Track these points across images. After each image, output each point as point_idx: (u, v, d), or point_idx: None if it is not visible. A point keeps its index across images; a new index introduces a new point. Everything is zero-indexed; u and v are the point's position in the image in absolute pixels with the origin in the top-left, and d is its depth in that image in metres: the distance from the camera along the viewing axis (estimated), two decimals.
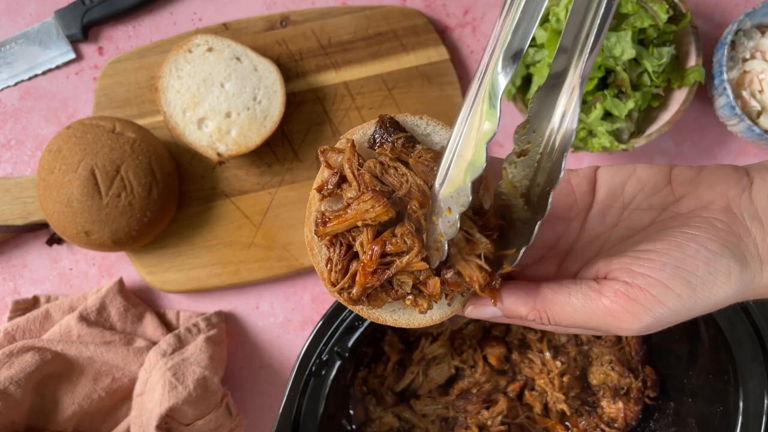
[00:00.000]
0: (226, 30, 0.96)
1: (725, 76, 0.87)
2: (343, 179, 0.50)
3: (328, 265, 0.51)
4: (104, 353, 0.85)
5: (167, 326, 0.93)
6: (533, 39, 0.89)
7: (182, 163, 0.94)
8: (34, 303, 0.93)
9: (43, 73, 0.98)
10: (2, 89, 0.98)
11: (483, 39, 0.99)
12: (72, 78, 0.98)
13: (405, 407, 0.87)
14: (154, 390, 0.81)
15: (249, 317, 0.96)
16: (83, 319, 0.87)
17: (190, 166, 0.95)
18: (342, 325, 0.76)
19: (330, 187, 0.51)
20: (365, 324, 0.76)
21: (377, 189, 0.48)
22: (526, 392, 0.89)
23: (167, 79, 0.90)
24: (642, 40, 0.88)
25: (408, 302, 0.50)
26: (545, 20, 0.88)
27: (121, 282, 0.91)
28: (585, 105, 0.89)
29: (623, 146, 0.87)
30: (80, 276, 0.95)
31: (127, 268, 0.95)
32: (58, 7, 0.97)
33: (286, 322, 0.96)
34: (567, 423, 0.88)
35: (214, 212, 0.94)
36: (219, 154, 0.89)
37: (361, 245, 0.49)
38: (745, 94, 0.90)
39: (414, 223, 0.48)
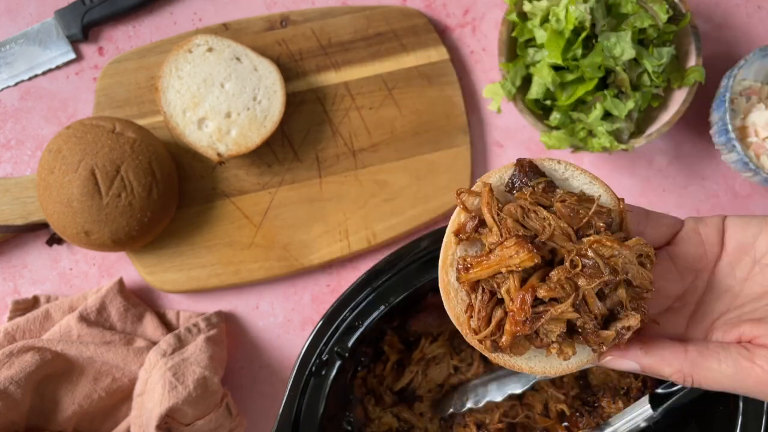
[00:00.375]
0: (226, 30, 0.96)
1: (732, 135, 0.86)
2: (481, 223, 0.50)
3: (468, 312, 0.50)
4: (104, 353, 0.85)
5: (167, 326, 0.93)
6: (533, 39, 0.89)
7: (182, 163, 0.94)
8: (34, 303, 0.93)
9: (43, 73, 0.98)
10: (2, 89, 0.98)
11: (483, 39, 0.99)
12: (72, 78, 0.98)
13: (404, 407, 0.87)
14: (154, 390, 0.81)
15: (249, 317, 0.96)
16: (83, 319, 0.87)
17: (190, 166, 0.95)
18: (342, 325, 0.76)
19: (468, 231, 0.50)
20: (365, 324, 0.76)
21: (520, 234, 0.48)
22: (526, 392, 0.89)
23: (167, 79, 0.90)
24: (642, 40, 0.88)
25: (553, 350, 0.50)
26: (545, 20, 0.88)
27: (121, 282, 0.91)
28: (585, 105, 0.89)
29: (623, 146, 0.87)
30: (80, 276, 0.95)
31: (127, 268, 0.95)
32: (58, 7, 0.97)
33: (286, 322, 0.96)
34: (566, 423, 0.88)
35: (214, 212, 0.94)
36: (219, 154, 0.89)
37: (507, 292, 0.48)
38: (754, 141, 0.89)
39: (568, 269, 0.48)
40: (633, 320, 0.49)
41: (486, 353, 0.50)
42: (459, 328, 0.51)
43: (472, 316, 0.50)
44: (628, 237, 0.51)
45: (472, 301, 0.50)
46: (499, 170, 0.53)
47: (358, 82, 0.96)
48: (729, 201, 0.98)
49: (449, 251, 0.51)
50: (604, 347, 0.50)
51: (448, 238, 0.51)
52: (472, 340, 0.50)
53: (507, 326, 0.48)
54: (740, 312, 0.53)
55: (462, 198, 0.51)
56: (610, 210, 0.52)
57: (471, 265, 0.50)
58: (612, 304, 0.49)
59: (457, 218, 0.51)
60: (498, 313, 0.49)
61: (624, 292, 0.49)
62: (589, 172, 0.53)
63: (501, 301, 0.49)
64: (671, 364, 0.49)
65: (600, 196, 0.53)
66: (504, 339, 0.49)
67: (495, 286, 0.49)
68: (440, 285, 0.51)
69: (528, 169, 0.51)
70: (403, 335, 0.89)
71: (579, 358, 0.52)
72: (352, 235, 0.94)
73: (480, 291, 0.50)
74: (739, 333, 0.49)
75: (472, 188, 0.52)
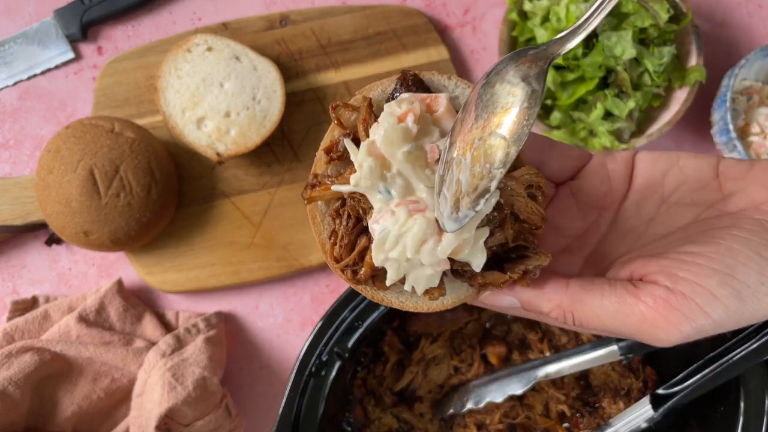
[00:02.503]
0: (225, 29, 0.96)
1: (733, 134, 0.86)
2: (356, 141, 0.44)
3: (332, 238, 0.45)
4: (103, 354, 0.85)
5: (166, 327, 0.93)
6: (534, 38, 0.89)
7: (181, 163, 0.94)
8: (33, 303, 0.93)
9: (42, 72, 0.98)
10: (1, 89, 0.97)
11: (483, 38, 0.99)
12: (71, 78, 0.98)
13: (404, 408, 0.87)
14: (153, 390, 0.81)
15: (248, 318, 0.96)
16: (82, 319, 0.87)
17: (190, 166, 0.94)
18: (342, 325, 0.76)
19: (340, 149, 0.45)
20: (365, 324, 0.76)
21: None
22: (527, 392, 0.88)
23: (166, 78, 0.89)
24: (643, 40, 0.88)
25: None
26: (545, 19, 0.88)
27: (120, 282, 0.91)
28: (585, 105, 0.89)
29: (624, 146, 0.87)
30: (79, 276, 0.95)
31: (126, 268, 0.95)
32: (57, 7, 0.97)
33: (286, 322, 0.95)
34: (567, 424, 0.88)
35: (213, 212, 0.94)
36: (218, 154, 0.89)
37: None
38: (755, 140, 0.89)
39: None
40: (542, 260, 0.44)
41: (349, 283, 0.46)
42: (324, 255, 0.46)
43: (335, 243, 0.45)
44: (518, 166, 0.45)
45: (336, 226, 0.45)
46: (383, 83, 0.47)
47: (358, 81, 0.96)
48: None
49: (319, 170, 0.46)
50: (490, 289, 0.45)
51: (319, 155, 0.46)
52: (334, 268, 0.45)
53: (367, 257, 0.43)
54: (639, 252, 0.48)
55: (337, 112, 0.45)
56: None
57: (318, 183, 0.45)
58: (496, 241, 0.44)
59: (330, 134, 0.46)
60: (362, 242, 0.44)
61: (510, 227, 0.44)
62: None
63: (367, 229, 0.44)
64: (551, 298, 0.44)
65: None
66: (363, 271, 0.44)
67: (362, 212, 0.44)
68: (308, 209, 0.46)
69: (411, 82, 0.46)
70: (403, 335, 0.89)
71: (455, 295, 0.47)
72: None
73: (345, 216, 0.44)
74: (630, 270, 0.44)
75: (351, 101, 0.46)
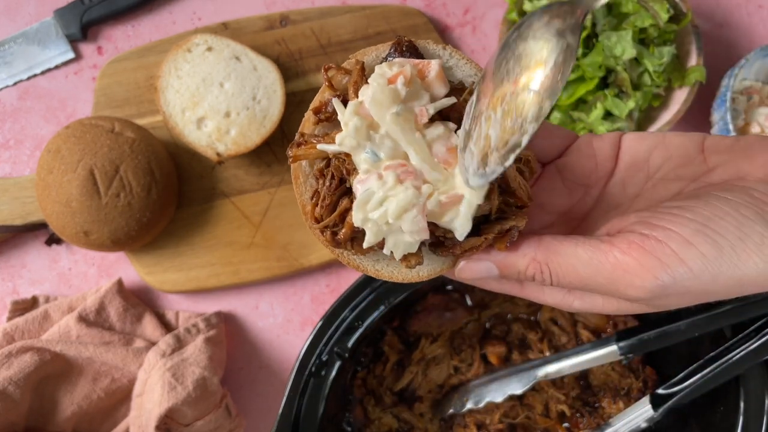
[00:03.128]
0: (225, 29, 0.96)
1: (734, 134, 0.86)
2: (346, 103, 0.44)
3: (314, 198, 0.45)
4: (103, 354, 0.85)
5: (166, 326, 0.92)
6: None
7: (181, 163, 0.94)
8: (33, 303, 0.93)
9: (42, 72, 0.98)
10: (1, 89, 0.97)
11: (483, 38, 0.99)
12: (71, 78, 0.98)
13: (404, 407, 0.87)
14: (153, 390, 0.81)
15: (248, 318, 0.96)
16: (82, 319, 0.87)
17: (190, 166, 0.94)
18: (342, 325, 0.76)
19: (330, 111, 0.45)
20: (365, 324, 0.76)
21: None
22: (527, 392, 0.88)
23: (166, 78, 0.89)
24: (642, 40, 0.88)
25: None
26: None
27: (120, 282, 0.91)
28: (585, 105, 0.89)
29: None
30: (79, 276, 0.95)
31: (126, 268, 0.95)
32: (57, 7, 0.97)
33: (286, 322, 0.95)
34: (567, 424, 0.88)
35: (213, 212, 0.94)
36: (218, 154, 0.89)
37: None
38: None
39: None
40: (519, 220, 0.44)
41: (327, 245, 0.45)
42: (303, 217, 0.46)
43: (317, 204, 0.45)
44: None
45: (319, 187, 0.45)
46: (377, 48, 0.47)
47: None
48: None
49: (306, 129, 0.46)
50: (467, 256, 0.45)
51: (307, 115, 0.46)
52: (312, 229, 0.45)
53: (348, 218, 0.43)
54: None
55: (329, 74, 0.45)
56: None
57: (304, 142, 0.44)
58: (480, 211, 0.43)
59: (320, 95, 0.45)
60: (344, 203, 0.44)
61: (496, 198, 0.44)
62: (477, 63, 0.47)
63: (350, 191, 0.44)
64: (525, 252, 0.43)
65: (474, 84, 0.45)
66: (343, 231, 0.44)
67: (345, 173, 0.44)
68: (292, 168, 0.46)
69: (405, 48, 0.45)
70: (403, 335, 0.89)
71: (431, 267, 0.47)
72: None
73: (329, 177, 0.44)
74: (607, 228, 0.44)
75: (343, 64, 0.46)
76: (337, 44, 0.96)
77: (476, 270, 0.45)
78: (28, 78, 0.98)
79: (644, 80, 0.88)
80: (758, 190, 0.41)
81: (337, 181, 0.44)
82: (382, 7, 0.97)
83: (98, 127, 0.85)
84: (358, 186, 0.43)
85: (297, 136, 0.45)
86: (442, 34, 0.99)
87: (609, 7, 0.86)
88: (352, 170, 0.43)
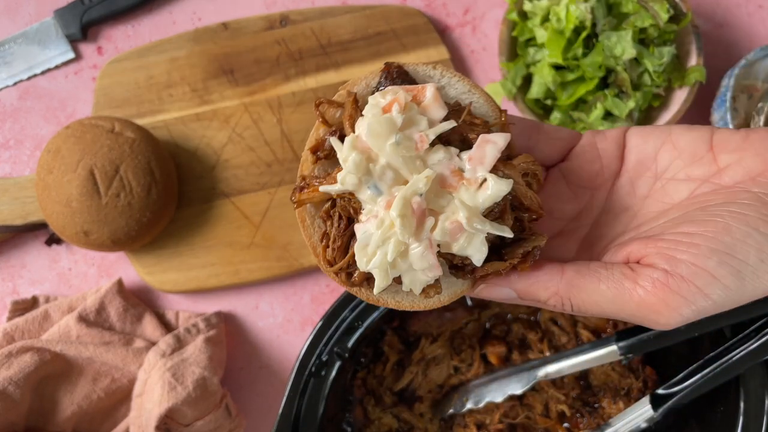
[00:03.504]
0: (225, 29, 0.96)
1: None
2: (342, 139, 0.43)
3: (324, 241, 0.44)
4: (103, 354, 0.85)
5: (166, 326, 0.92)
6: (534, 38, 0.89)
7: (181, 163, 0.94)
8: (33, 303, 0.93)
9: (42, 72, 0.98)
10: (1, 89, 0.97)
11: (483, 38, 0.99)
12: (71, 78, 0.98)
13: (404, 408, 0.87)
14: (153, 390, 0.81)
15: (248, 318, 0.95)
16: (82, 319, 0.87)
17: (190, 166, 0.94)
18: (342, 325, 0.76)
19: (327, 148, 0.44)
20: (365, 324, 0.76)
21: None
22: (527, 392, 0.89)
23: None
24: (643, 40, 0.88)
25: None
26: (545, 19, 0.88)
27: (120, 282, 0.91)
28: (585, 105, 0.89)
29: None
30: (79, 276, 0.95)
31: (126, 268, 0.95)
32: (57, 7, 0.97)
33: (286, 322, 0.95)
34: (567, 424, 0.88)
35: (213, 212, 0.94)
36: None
37: None
38: None
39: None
40: (539, 240, 0.43)
41: (344, 286, 0.44)
42: (316, 259, 0.45)
43: (327, 246, 0.43)
44: (512, 155, 0.44)
45: (328, 229, 0.43)
46: (367, 77, 0.46)
47: None
48: None
49: (306, 171, 0.44)
50: (488, 280, 0.44)
51: (305, 155, 0.44)
52: (327, 271, 0.44)
53: None
54: (636, 233, 0.46)
55: (322, 110, 0.45)
56: (486, 122, 0.44)
57: (306, 185, 0.43)
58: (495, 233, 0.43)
59: (315, 133, 0.45)
60: (355, 244, 0.42)
61: (509, 217, 0.43)
62: (470, 80, 0.46)
63: None
64: (547, 286, 0.43)
65: (471, 103, 0.45)
66: (357, 273, 0.43)
67: (352, 212, 0.42)
68: (297, 213, 0.44)
69: (396, 75, 0.44)
70: (403, 335, 0.89)
71: (452, 290, 0.46)
72: None
73: (336, 218, 0.43)
74: (627, 253, 0.43)
75: (334, 97, 0.45)
76: (337, 44, 0.96)
77: (496, 295, 0.45)
78: (28, 78, 0.98)
79: (644, 80, 0.88)
80: None
81: (346, 221, 0.43)
82: (382, 8, 0.97)
83: (98, 127, 0.85)
84: (359, 228, 0.42)
85: (298, 180, 0.44)
86: (442, 34, 0.99)
87: (609, 7, 0.86)
88: (359, 208, 0.42)
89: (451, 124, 0.43)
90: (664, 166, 0.47)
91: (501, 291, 0.45)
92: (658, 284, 0.40)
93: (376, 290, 0.42)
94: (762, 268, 0.39)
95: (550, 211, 0.50)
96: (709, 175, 0.46)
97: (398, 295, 0.46)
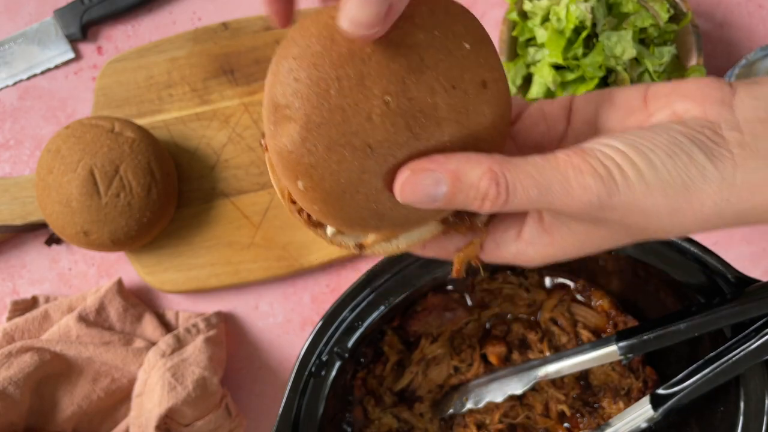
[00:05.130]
0: (225, 29, 0.96)
1: None
2: None
3: None
4: (103, 353, 0.85)
5: (166, 326, 0.93)
6: (534, 38, 0.89)
7: (181, 163, 0.94)
8: (33, 303, 0.93)
9: (42, 72, 0.98)
10: (1, 89, 0.97)
11: None
12: (71, 78, 0.98)
13: (404, 407, 0.87)
14: (153, 390, 0.81)
15: (248, 318, 0.96)
16: (82, 319, 0.87)
17: (189, 166, 0.94)
18: (342, 325, 0.76)
19: None
20: (365, 324, 0.76)
21: None
22: (527, 392, 0.89)
23: None
24: (643, 40, 0.88)
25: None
26: (545, 19, 0.88)
27: (120, 282, 0.91)
28: None
29: None
30: (79, 276, 0.95)
31: (126, 268, 0.95)
32: (57, 7, 0.97)
33: (286, 322, 0.95)
34: (567, 424, 0.88)
35: (213, 212, 0.94)
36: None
37: None
38: None
39: None
40: None
41: (305, 226, 0.44)
42: (281, 199, 0.43)
43: None
44: None
45: None
46: None
47: None
48: None
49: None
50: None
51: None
52: (290, 210, 0.43)
53: None
54: None
55: None
56: None
57: None
58: None
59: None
60: None
61: None
62: None
63: None
64: (480, 161, 0.40)
65: None
66: None
67: None
68: (267, 157, 0.43)
69: None
70: (403, 335, 0.89)
71: (411, 237, 0.45)
72: None
73: None
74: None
75: None
76: None
77: (422, 183, 0.40)
78: (28, 78, 0.98)
79: (644, 80, 0.88)
80: (693, 123, 0.42)
81: None
82: None
83: (98, 127, 0.85)
84: None
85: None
86: None
87: (609, 7, 0.86)
88: None
89: None
90: (603, 121, 0.49)
91: (428, 178, 0.40)
92: (578, 150, 0.41)
93: (328, 231, 0.42)
94: (669, 162, 0.40)
95: None
96: (641, 122, 0.47)
97: (358, 239, 0.45)
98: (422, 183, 0.40)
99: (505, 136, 0.45)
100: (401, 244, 0.45)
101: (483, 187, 0.40)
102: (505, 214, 0.48)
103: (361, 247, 0.45)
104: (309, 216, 0.43)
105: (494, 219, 0.48)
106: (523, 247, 0.47)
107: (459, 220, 0.46)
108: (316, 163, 0.37)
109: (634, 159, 0.40)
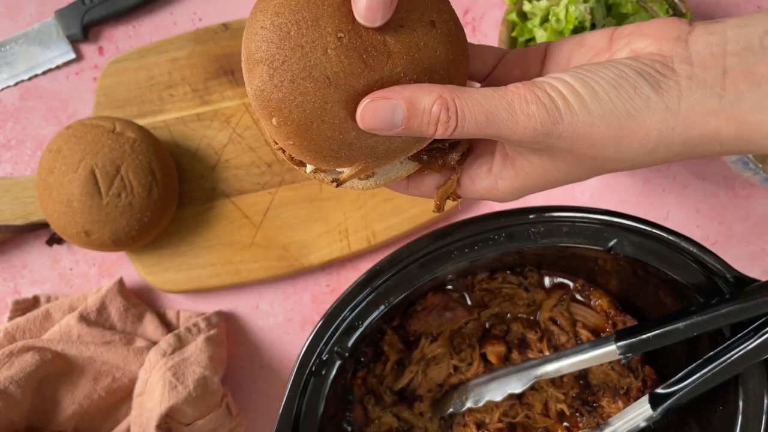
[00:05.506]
0: (226, 30, 0.96)
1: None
2: None
3: None
4: (104, 353, 0.85)
5: (167, 326, 0.93)
6: (533, 39, 0.89)
7: (182, 163, 0.94)
8: (34, 303, 0.93)
9: (43, 73, 0.98)
10: (2, 89, 0.98)
11: (483, 39, 0.99)
12: (72, 78, 0.98)
13: (404, 407, 0.87)
14: (154, 390, 0.81)
15: (249, 317, 0.96)
16: (83, 319, 0.87)
17: (190, 166, 0.95)
18: (342, 325, 0.76)
19: None
20: (365, 324, 0.76)
21: None
22: (526, 391, 0.89)
23: None
24: None
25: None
26: (545, 20, 0.88)
27: (121, 282, 0.91)
28: None
29: None
30: (80, 276, 0.95)
31: (127, 268, 0.95)
32: (58, 7, 0.98)
33: (286, 322, 0.96)
34: (566, 423, 0.88)
35: (213, 212, 0.94)
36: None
37: None
38: None
39: None
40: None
41: (289, 163, 0.46)
42: (270, 146, 0.46)
43: None
44: None
45: None
46: None
47: None
48: (729, 201, 0.98)
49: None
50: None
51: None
52: (274, 149, 0.46)
53: None
54: None
55: None
56: None
57: None
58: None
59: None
60: None
61: None
62: None
63: None
64: (432, 90, 0.42)
65: None
66: None
67: None
68: (248, 93, 0.45)
69: None
70: (403, 335, 0.89)
71: (386, 177, 0.48)
72: (352, 234, 0.94)
73: None
74: None
75: None
76: None
77: (381, 110, 0.42)
78: (30, 78, 0.98)
79: None
80: (644, 59, 0.43)
81: None
82: None
83: (99, 128, 0.86)
84: None
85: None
86: None
87: (608, 8, 0.87)
88: None
89: None
90: (573, 63, 0.51)
91: (386, 104, 0.42)
92: (528, 83, 0.43)
93: (308, 168, 0.45)
94: (613, 93, 0.42)
95: None
96: (604, 60, 0.49)
97: (337, 174, 0.48)
98: (381, 109, 0.42)
99: (464, 75, 0.47)
100: (379, 180, 0.48)
101: (435, 113, 0.43)
102: (478, 152, 0.51)
103: (337, 182, 0.47)
104: (292, 156, 0.46)
105: (468, 157, 0.51)
106: (493, 181, 0.50)
107: (432, 158, 0.49)
108: (284, 98, 0.41)
109: (578, 90, 0.42)
